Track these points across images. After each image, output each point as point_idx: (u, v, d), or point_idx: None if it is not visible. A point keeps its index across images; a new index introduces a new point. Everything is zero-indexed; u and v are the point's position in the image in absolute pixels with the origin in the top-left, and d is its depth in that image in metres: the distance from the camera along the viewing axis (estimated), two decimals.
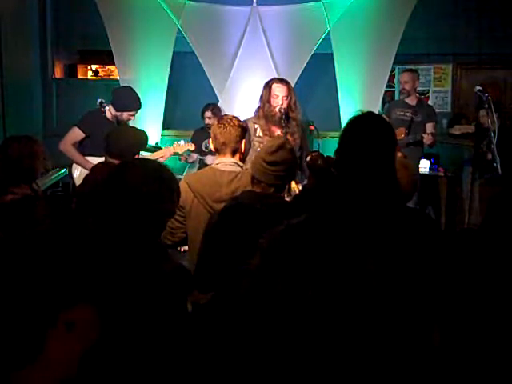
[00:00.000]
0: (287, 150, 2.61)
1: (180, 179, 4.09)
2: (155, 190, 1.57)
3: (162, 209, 1.59)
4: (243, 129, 2.97)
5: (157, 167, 1.67)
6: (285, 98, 3.78)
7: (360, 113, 1.96)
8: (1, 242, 0.99)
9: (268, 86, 3.85)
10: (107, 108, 4.49)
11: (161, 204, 1.58)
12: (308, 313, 0.83)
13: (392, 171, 1.89)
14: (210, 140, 3.03)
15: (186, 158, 5.88)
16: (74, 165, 4.52)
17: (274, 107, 3.76)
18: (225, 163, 2.92)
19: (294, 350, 0.84)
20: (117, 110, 4.48)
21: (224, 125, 2.91)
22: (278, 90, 3.79)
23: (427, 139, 5.21)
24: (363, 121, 1.94)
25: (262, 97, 3.85)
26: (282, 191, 2.68)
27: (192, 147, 5.27)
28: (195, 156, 5.89)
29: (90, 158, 4.31)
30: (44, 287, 0.93)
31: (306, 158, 3.34)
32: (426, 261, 1.05)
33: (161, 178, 1.61)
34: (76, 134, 4.45)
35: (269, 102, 3.80)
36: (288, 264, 0.86)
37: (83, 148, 4.48)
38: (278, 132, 3.76)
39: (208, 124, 5.76)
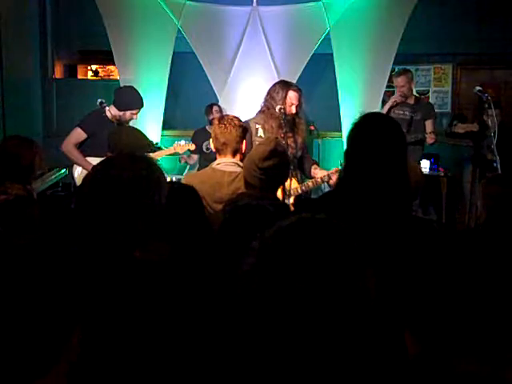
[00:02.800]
0: (280, 155, 2.61)
1: (180, 179, 4.11)
2: (142, 185, 1.52)
3: (149, 205, 1.53)
4: (244, 129, 2.97)
5: (146, 163, 1.62)
6: (297, 105, 3.77)
7: (365, 114, 1.94)
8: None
9: (285, 90, 3.78)
10: (107, 108, 4.48)
11: (147, 200, 1.52)
12: (300, 316, 0.83)
13: (403, 175, 1.87)
14: (211, 140, 3.03)
15: (186, 160, 5.88)
16: (75, 165, 4.52)
17: (280, 109, 3.72)
18: (225, 163, 2.92)
19: (287, 351, 0.84)
20: (119, 110, 4.47)
21: (225, 125, 2.90)
22: (294, 99, 3.76)
23: (430, 138, 5.18)
24: (372, 121, 1.92)
25: (273, 98, 3.80)
26: (274, 193, 2.67)
27: (192, 147, 5.26)
28: (195, 157, 5.89)
29: (90, 159, 4.30)
30: (68, 299, 0.93)
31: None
32: (428, 274, 1.04)
33: (148, 174, 1.57)
34: (78, 134, 4.45)
35: (283, 104, 3.75)
36: (280, 268, 0.86)
37: (84, 149, 4.47)
38: (279, 133, 3.74)
39: (214, 118, 5.72)
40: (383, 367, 0.90)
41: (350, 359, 0.82)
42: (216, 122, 3.02)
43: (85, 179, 1.55)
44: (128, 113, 4.49)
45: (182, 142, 5.07)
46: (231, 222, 1.83)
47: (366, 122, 1.91)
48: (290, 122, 3.75)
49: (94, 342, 1.12)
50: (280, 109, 3.70)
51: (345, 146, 1.97)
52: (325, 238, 0.87)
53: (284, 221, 0.92)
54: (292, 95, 3.77)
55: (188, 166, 6.04)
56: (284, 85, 3.85)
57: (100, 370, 1.22)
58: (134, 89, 4.62)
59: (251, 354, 0.86)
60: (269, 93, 3.85)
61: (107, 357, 1.24)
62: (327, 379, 0.82)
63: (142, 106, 4.57)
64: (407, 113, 5.34)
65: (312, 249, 0.86)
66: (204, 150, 5.78)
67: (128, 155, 1.66)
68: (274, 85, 3.89)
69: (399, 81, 5.39)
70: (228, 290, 0.89)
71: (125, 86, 4.84)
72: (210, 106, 5.96)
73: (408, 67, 6.11)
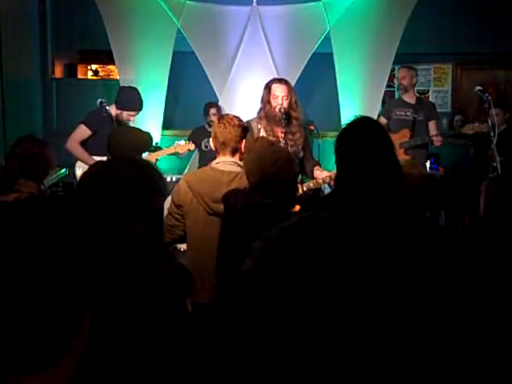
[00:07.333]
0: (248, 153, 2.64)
1: (179, 178, 4.10)
2: (142, 190, 1.52)
3: (148, 209, 1.53)
4: (244, 128, 2.97)
5: (145, 167, 1.61)
6: (285, 97, 3.77)
7: (348, 124, 2.00)
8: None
9: (268, 86, 3.84)
10: (108, 108, 4.49)
11: (147, 204, 1.52)
12: (305, 321, 0.83)
13: (396, 175, 1.89)
14: (211, 139, 3.03)
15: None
16: (77, 164, 4.51)
17: (275, 107, 3.75)
18: (225, 163, 2.91)
19: (291, 356, 0.84)
20: (117, 108, 4.48)
21: (224, 124, 2.90)
22: (278, 91, 3.78)
23: (437, 141, 5.05)
24: (353, 132, 1.97)
25: (262, 98, 3.84)
26: (268, 195, 2.62)
27: (192, 147, 5.28)
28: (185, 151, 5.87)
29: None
30: (78, 290, 0.94)
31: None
32: (432, 272, 1.04)
33: (148, 178, 1.56)
34: (83, 131, 4.44)
35: (269, 102, 3.78)
36: (283, 268, 0.85)
37: (86, 147, 4.47)
38: (279, 132, 3.75)
39: (212, 121, 5.75)
40: (386, 367, 0.90)
41: (352, 358, 0.82)
42: (216, 121, 3.02)
43: (81, 181, 1.54)
44: (125, 113, 4.50)
45: (182, 142, 5.08)
46: (240, 220, 1.78)
47: (348, 133, 1.97)
48: (287, 119, 3.74)
49: (103, 333, 1.13)
50: (280, 109, 3.72)
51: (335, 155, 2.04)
52: (327, 236, 0.87)
53: (286, 221, 0.92)
54: (274, 87, 3.79)
55: (188, 166, 6.04)
56: (268, 81, 3.89)
57: (108, 360, 1.23)
58: (136, 91, 4.62)
59: (252, 353, 0.86)
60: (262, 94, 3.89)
61: (116, 348, 1.25)
62: (330, 379, 0.82)
63: (139, 108, 4.58)
64: (409, 113, 5.24)
65: (315, 248, 0.85)
66: (203, 148, 5.79)
67: (128, 158, 1.66)
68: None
69: (401, 71, 5.38)
70: (231, 290, 0.89)
71: (129, 87, 4.84)
72: (208, 107, 5.94)
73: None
